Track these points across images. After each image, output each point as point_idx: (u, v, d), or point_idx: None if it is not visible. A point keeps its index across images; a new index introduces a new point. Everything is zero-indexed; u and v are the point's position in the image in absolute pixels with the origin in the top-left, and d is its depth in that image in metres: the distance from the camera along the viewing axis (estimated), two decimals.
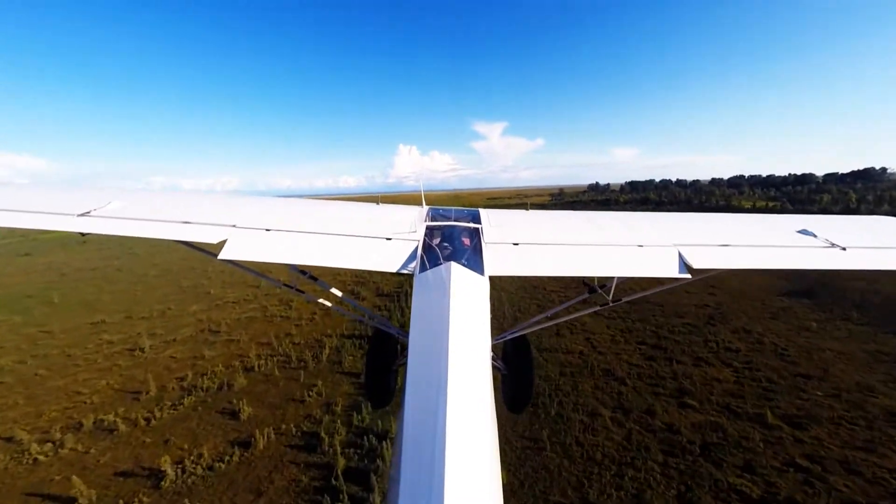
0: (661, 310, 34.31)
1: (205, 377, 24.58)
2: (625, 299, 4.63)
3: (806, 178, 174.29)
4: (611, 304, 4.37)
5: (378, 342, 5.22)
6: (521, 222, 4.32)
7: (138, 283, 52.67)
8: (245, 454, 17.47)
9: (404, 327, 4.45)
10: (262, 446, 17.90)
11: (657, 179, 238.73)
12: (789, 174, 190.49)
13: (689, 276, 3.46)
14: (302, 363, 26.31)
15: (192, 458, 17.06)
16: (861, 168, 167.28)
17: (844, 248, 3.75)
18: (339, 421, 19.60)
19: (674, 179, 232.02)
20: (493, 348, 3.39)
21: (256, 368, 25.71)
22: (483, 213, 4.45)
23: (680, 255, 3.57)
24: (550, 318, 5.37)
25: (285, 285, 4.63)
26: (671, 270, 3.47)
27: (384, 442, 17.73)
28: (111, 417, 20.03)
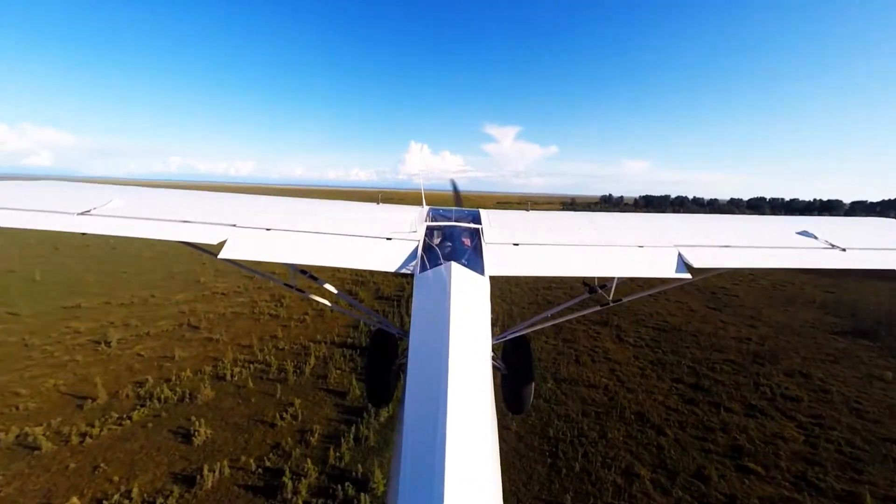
0: (695, 340, 30.07)
1: (167, 384, 21.16)
2: (625, 299, 4.65)
3: (833, 205, 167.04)
4: (611, 304, 4.39)
5: (378, 342, 5.13)
6: (521, 223, 4.38)
7: (129, 264, 49.94)
8: (185, 495, 13.88)
9: (404, 327, 4.37)
10: (209, 485, 14.28)
11: (672, 196, 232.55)
12: (814, 199, 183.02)
13: (689, 276, 3.46)
14: (282, 374, 22.77)
15: (117, 495, 13.52)
16: (893, 198, 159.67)
17: (844, 249, 3.78)
18: (311, 456, 15.93)
19: (690, 197, 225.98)
20: (494, 348, 3.27)
21: (229, 377, 22.22)
22: (483, 213, 4.54)
23: (680, 255, 3.59)
24: (551, 318, 5.41)
25: (286, 285, 4.64)
26: (671, 270, 3.47)
27: (364, 494, 14.01)
28: (40, 431, 16.61)
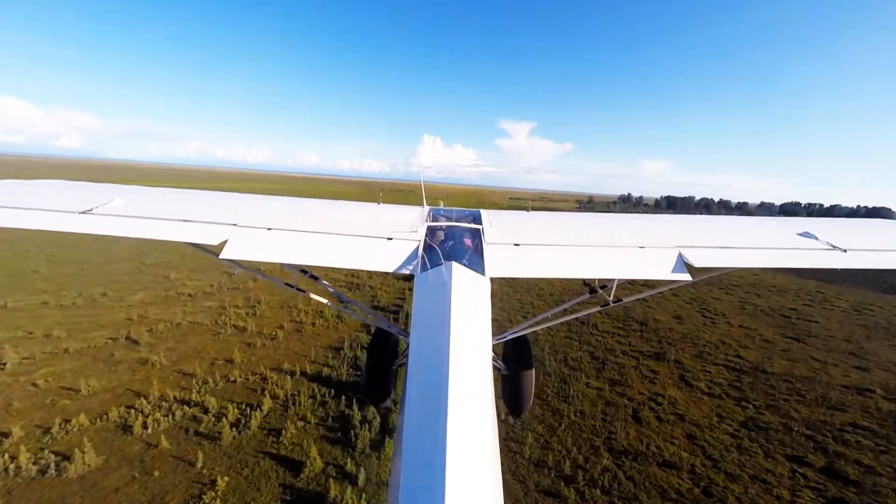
0: (791, 388, 22.16)
1: (46, 436, 14.51)
2: (626, 300, 4.64)
3: (881, 212, 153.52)
4: (611, 305, 4.35)
5: (378, 341, 5.09)
6: (521, 223, 4.41)
7: (96, 253, 43.87)
8: None
9: (405, 327, 4.39)
10: None
11: (697, 197, 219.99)
12: (858, 206, 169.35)
13: (689, 277, 3.45)
14: (216, 426, 15.89)
15: None
16: None
17: (845, 250, 3.78)
18: None
19: (716, 199, 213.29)
20: (494, 348, 3.20)
21: (138, 429, 15.41)
22: (484, 213, 4.53)
23: (681, 255, 3.58)
24: (551, 318, 5.62)
25: (286, 284, 4.58)
26: (672, 271, 3.45)
27: None
28: None
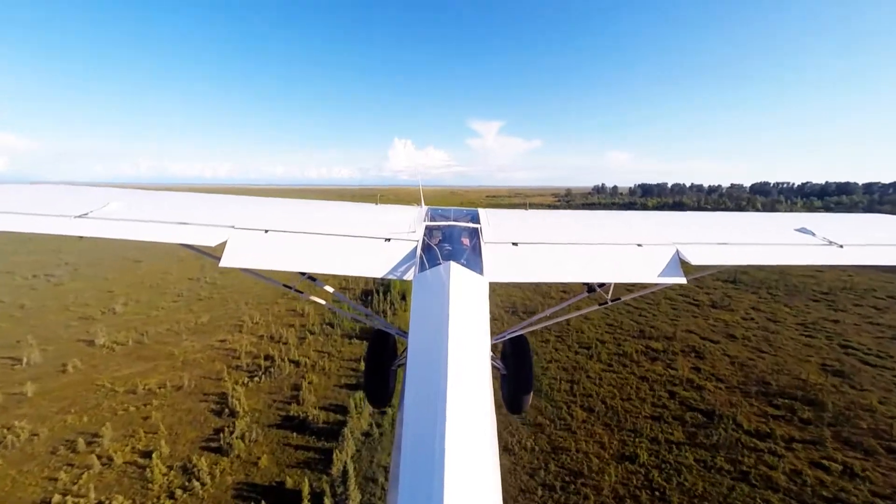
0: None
1: None
2: (623, 299, 4.58)
3: (849, 187, 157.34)
4: (609, 303, 4.33)
5: (377, 342, 5.09)
6: (519, 222, 4.38)
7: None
8: None
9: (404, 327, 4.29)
10: None
11: (669, 183, 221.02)
12: (827, 181, 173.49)
13: (684, 280, 3.44)
14: None
15: None
16: None
17: (842, 246, 3.77)
18: None
19: (688, 184, 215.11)
20: (493, 348, 3.24)
21: None
22: (482, 213, 4.49)
23: (678, 252, 3.57)
24: (549, 318, 5.38)
25: (285, 286, 4.56)
26: (670, 269, 3.46)
27: None
28: None
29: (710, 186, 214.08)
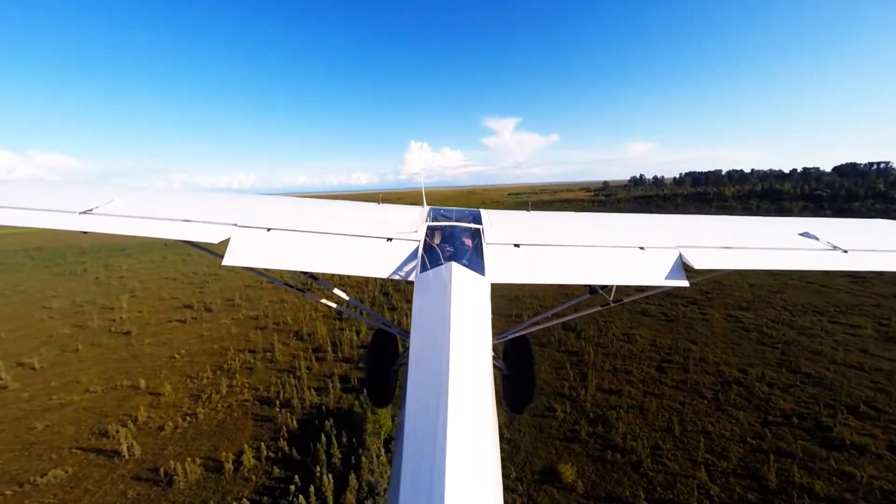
0: None
1: None
2: (626, 300, 4.62)
3: (855, 168, 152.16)
4: (611, 304, 4.32)
5: (378, 342, 5.13)
6: (521, 223, 4.38)
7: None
8: None
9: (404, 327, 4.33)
10: None
11: (724, 171, 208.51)
12: (792, 169, 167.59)
13: (685, 283, 3.43)
14: None
15: None
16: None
17: (846, 251, 3.74)
18: None
19: (724, 171, 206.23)
20: (494, 348, 3.15)
21: None
22: (484, 213, 4.48)
23: (681, 255, 3.57)
24: (551, 318, 5.40)
25: (286, 284, 4.59)
26: (673, 273, 3.45)
27: None
28: None
29: (729, 172, 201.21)
